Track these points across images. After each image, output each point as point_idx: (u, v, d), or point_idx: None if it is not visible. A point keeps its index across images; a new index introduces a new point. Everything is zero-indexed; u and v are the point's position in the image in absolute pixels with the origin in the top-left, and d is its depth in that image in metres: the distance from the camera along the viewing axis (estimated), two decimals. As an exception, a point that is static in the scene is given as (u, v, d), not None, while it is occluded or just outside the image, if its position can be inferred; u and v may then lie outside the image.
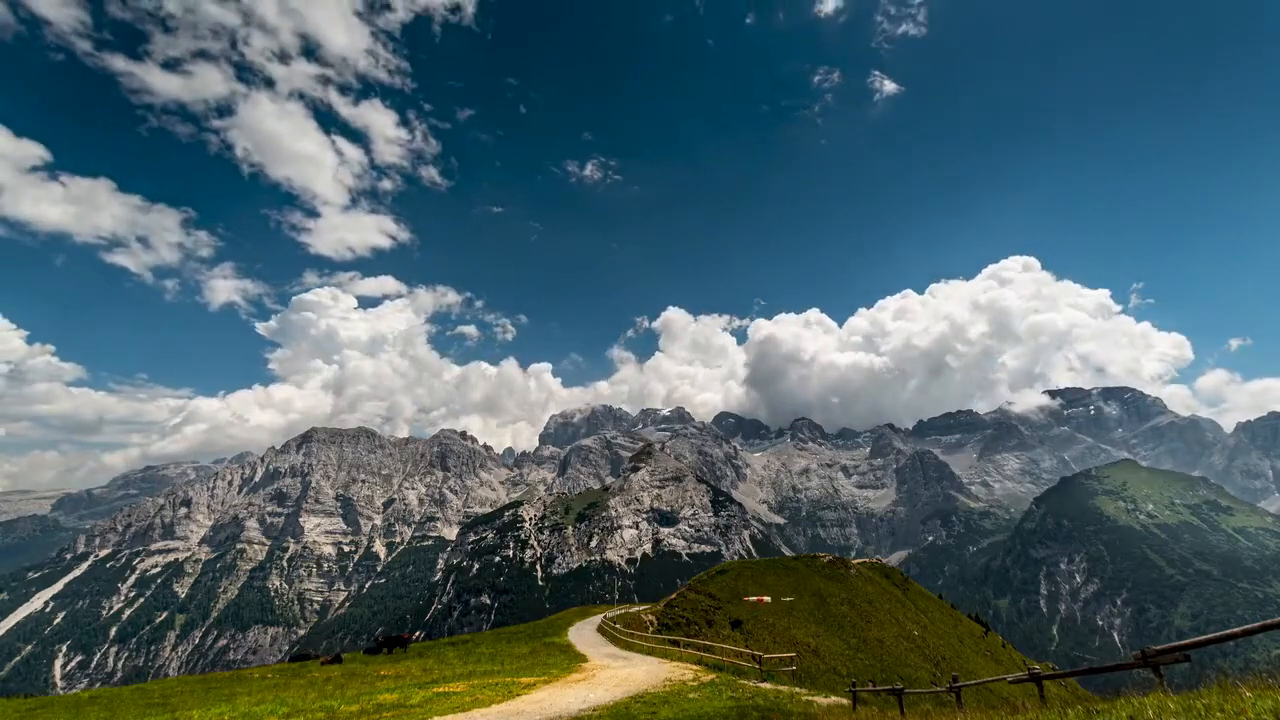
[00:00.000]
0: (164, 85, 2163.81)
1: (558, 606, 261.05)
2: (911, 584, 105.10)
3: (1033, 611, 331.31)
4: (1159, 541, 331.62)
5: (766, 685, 25.27)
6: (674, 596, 68.94)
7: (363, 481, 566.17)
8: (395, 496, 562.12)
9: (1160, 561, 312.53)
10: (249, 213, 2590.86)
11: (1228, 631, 8.57)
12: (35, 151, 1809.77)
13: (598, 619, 63.42)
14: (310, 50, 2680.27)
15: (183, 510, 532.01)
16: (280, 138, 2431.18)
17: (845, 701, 21.98)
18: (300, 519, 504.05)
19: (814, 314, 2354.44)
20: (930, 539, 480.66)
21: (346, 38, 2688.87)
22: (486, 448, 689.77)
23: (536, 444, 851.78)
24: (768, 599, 62.24)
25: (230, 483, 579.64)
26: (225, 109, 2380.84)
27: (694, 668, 29.49)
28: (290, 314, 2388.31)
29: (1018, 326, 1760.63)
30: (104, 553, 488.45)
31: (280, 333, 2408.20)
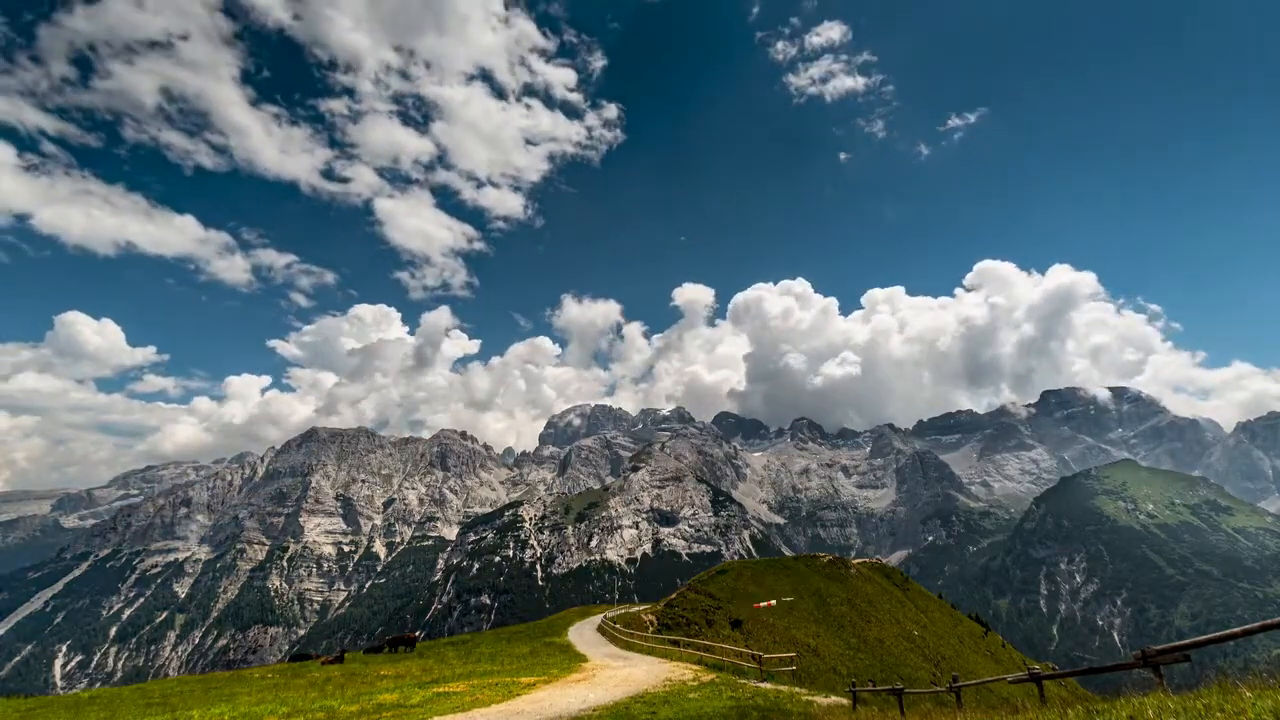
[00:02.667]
0: (332, 188, 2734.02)
1: (558, 606, 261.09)
2: (911, 584, 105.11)
3: (1033, 611, 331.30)
4: (1159, 541, 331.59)
5: (766, 685, 25.27)
6: (674, 596, 68.92)
7: (363, 481, 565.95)
8: (395, 496, 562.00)
9: (1160, 561, 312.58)
10: (378, 271, 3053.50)
11: (1228, 631, 8.56)
12: (222, 238, 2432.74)
13: (598, 619, 63.39)
14: (455, 164, 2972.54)
15: (183, 510, 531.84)
16: (408, 218, 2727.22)
17: (845, 701, 21.96)
18: (300, 519, 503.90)
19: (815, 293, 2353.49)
20: (930, 539, 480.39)
21: (499, 156, 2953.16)
22: (486, 447, 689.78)
23: (536, 444, 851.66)
24: (773, 603, 62.21)
25: (230, 483, 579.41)
26: (368, 208, 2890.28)
27: (694, 668, 29.48)
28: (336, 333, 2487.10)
29: (1020, 326, 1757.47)
30: (104, 553, 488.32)
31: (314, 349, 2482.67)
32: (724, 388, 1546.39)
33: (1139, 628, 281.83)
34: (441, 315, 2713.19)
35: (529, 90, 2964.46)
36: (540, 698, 20.62)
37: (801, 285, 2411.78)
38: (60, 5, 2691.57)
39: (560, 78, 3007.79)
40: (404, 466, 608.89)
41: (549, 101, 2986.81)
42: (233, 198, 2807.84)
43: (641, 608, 70.73)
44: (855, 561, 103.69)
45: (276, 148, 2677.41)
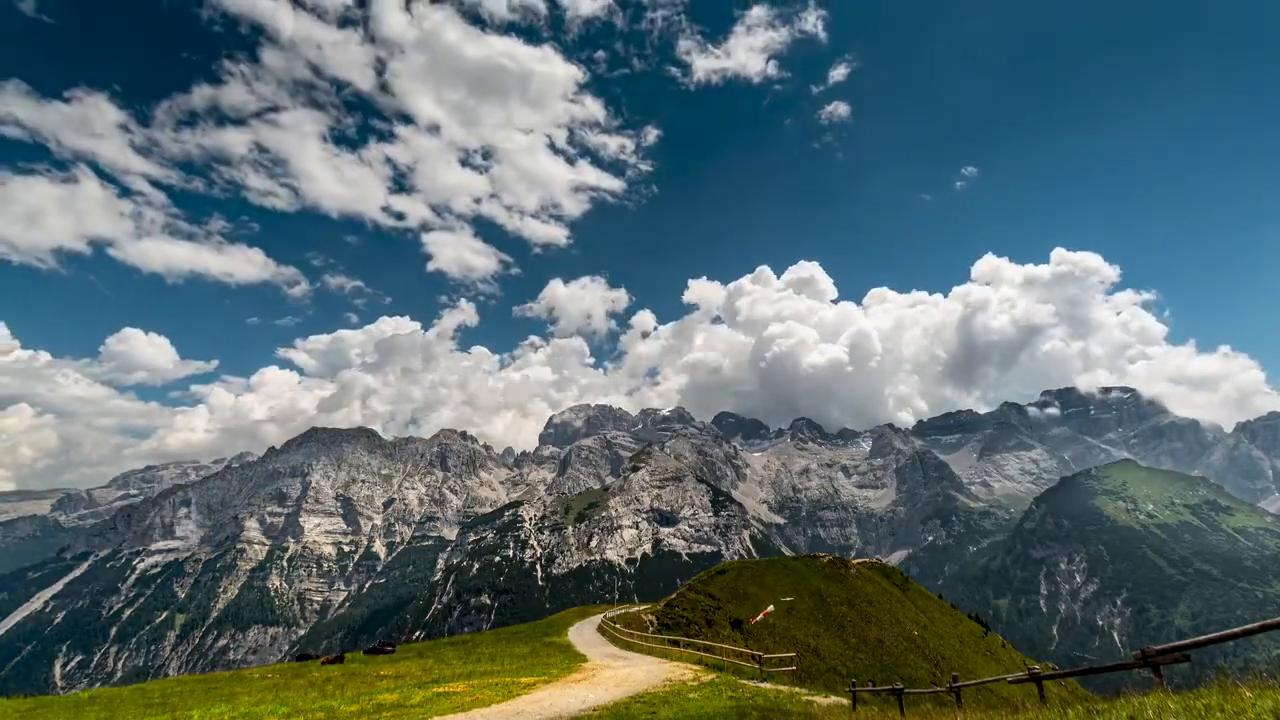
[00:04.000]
0: (391, 222, 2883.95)
1: (558, 606, 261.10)
2: (911, 584, 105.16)
3: (1033, 611, 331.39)
4: (1159, 541, 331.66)
5: (766, 685, 25.27)
6: (674, 596, 68.97)
7: (363, 481, 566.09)
8: (395, 496, 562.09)
9: (1160, 561, 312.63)
10: (424, 294, 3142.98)
11: (1228, 631, 8.55)
12: (288, 271, 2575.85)
13: (598, 619, 63.36)
14: (503, 200, 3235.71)
15: (183, 510, 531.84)
16: (452, 249, 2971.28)
17: (845, 701, 21.96)
18: (300, 519, 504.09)
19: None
20: (930, 539, 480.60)
21: (546, 195, 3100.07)
22: (486, 447, 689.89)
23: (536, 444, 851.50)
24: (771, 609, 62.14)
25: (230, 483, 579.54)
26: (417, 239, 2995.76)
27: (694, 668, 29.47)
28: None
29: (1019, 322, 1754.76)
30: (104, 553, 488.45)
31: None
32: (726, 384, 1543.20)
33: (1139, 628, 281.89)
34: (459, 315, 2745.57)
35: (584, 153, 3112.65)
36: (540, 698, 20.62)
37: (811, 270, 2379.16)
38: (179, 90, 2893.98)
39: (616, 145, 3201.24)
40: (404, 466, 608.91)
41: (598, 162, 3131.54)
42: (300, 230, 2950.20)
43: (641, 608, 70.73)
44: (855, 561, 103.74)
45: (346, 189, 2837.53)
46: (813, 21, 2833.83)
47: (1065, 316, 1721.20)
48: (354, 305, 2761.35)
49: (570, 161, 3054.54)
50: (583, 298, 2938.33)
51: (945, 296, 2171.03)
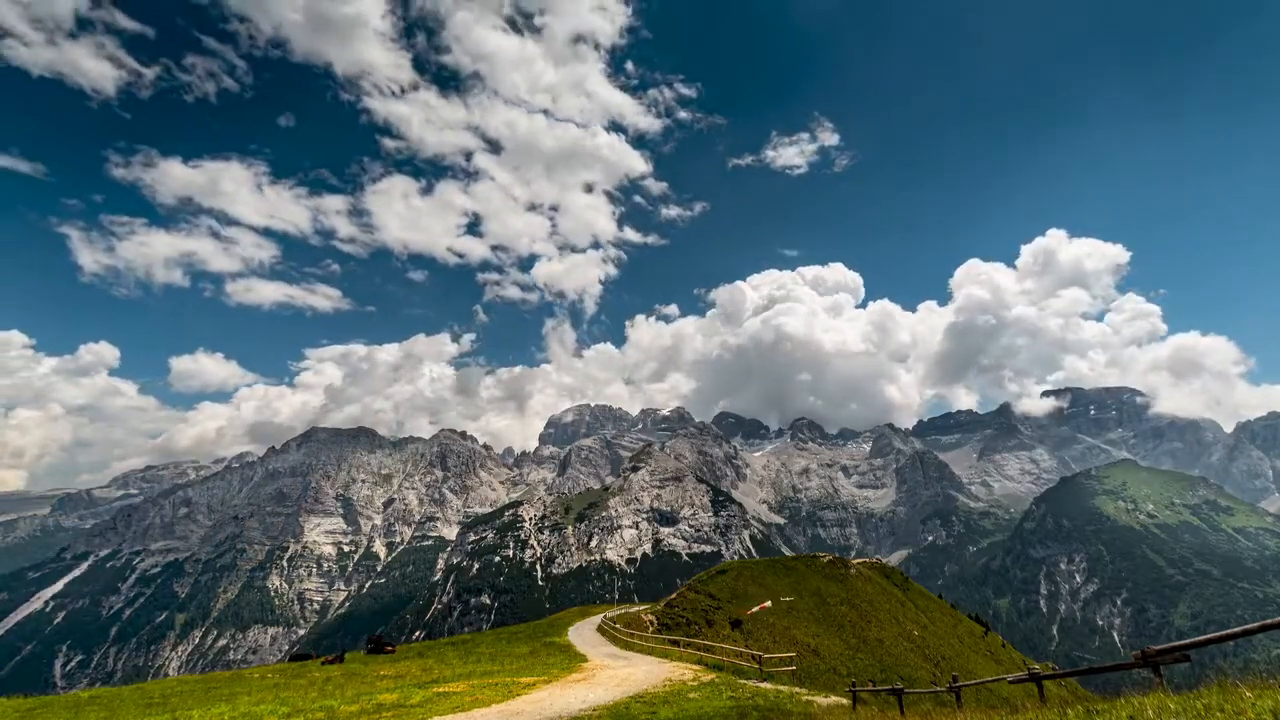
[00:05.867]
0: (454, 260, 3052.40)
1: (558, 606, 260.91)
2: (911, 584, 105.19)
3: (1033, 611, 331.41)
4: (1159, 541, 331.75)
5: (766, 685, 25.26)
6: (674, 596, 68.95)
7: (363, 481, 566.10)
8: (395, 496, 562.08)
9: (1160, 561, 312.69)
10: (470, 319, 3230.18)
11: (1228, 631, 8.55)
12: (362, 307, 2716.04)
13: (598, 619, 63.34)
14: (558, 238, 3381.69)
15: (183, 510, 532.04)
16: (504, 289, 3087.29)
17: (845, 701, 21.97)
18: (300, 519, 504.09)
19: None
20: (930, 539, 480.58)
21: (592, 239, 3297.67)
22: (486, 447, 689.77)
23: (536, 444, 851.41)
24: (769, 604, 62.14)
25: (230, 483, 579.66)
26: (472, 275, 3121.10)
27: (694, 668, 29.48)
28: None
29: (1017, 321, 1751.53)
30: (104, 553, 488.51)
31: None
32: (731, 379, 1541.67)
33: (1139, 628, 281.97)
34: (486, 323, 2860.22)
35: (640, 219, 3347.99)
36: (540, 698, 20.62)
37: (835, 269, 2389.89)
38: (304, 169, 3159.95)
39: (668, 213, 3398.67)
40: (404, 466, 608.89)
41: (647, 226, 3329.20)
42: (375, 267, 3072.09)
43: (641, 608, 70.70)
44: (855, 561, 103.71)
45: (420, 235, 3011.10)
46: (825, 133, 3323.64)
47: (1064, 311, 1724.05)
48: (413, 329, 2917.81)
49: (620, 224, 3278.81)
50: (585, 276, 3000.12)
51: (946, 306, 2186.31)
